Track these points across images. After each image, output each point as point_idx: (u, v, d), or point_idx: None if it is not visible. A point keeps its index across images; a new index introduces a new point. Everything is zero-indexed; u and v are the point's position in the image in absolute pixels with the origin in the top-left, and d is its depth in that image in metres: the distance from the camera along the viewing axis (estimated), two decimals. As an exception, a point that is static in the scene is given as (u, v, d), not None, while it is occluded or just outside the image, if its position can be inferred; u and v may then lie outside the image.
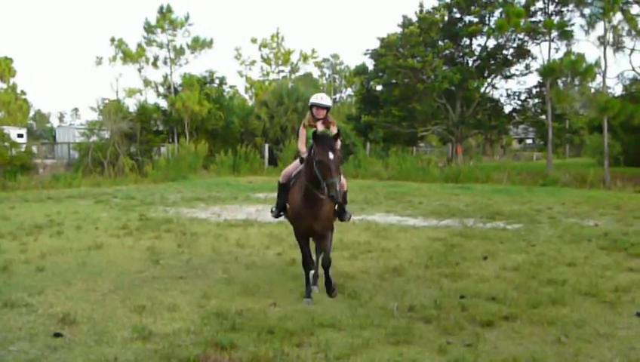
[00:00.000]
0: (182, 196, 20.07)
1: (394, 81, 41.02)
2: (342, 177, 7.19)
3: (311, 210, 7.08)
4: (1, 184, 24.86)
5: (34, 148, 42.72)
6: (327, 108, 7.86)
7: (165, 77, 43.41)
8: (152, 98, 50.62)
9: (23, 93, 62.80)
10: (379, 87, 43.73)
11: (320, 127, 7.70)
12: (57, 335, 5.79)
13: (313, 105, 7.83)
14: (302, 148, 7.82)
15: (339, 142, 7.02)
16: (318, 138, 6.83)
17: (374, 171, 29.35)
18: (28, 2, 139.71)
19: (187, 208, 16.51)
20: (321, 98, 7.87)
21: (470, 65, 40.63)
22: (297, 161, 7.86)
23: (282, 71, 55.15)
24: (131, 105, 42.29)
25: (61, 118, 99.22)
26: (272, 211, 8.20)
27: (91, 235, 11.66)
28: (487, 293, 7.38)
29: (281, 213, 7.98)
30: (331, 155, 6.63)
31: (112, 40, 42.17)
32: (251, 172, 31.18)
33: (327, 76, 75.64)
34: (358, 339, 5.72)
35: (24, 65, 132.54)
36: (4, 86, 58.14)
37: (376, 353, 5.42)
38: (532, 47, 39.02)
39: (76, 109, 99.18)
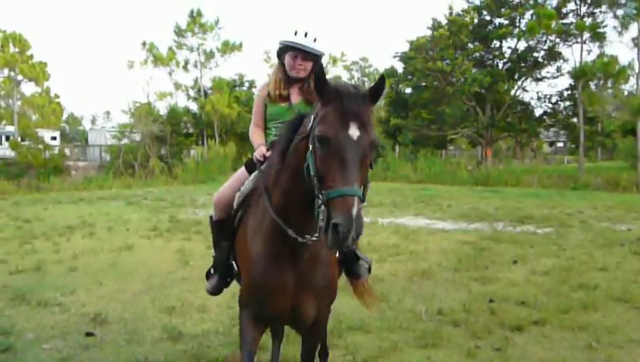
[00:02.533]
0: (211, 198, 20.21)
1: (423, 83, 40.83)
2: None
3: (286, 270, 3.40)
4: (35, 186, 25.29)
5: (67, 151, 43.40)
6: (316, 60, 4.14)
7: (195, 80, 43.78)
8: (182, 101, 51.06)
9: (56, 96, 63.73)
10: (408, 90, 43.58)
11: (296, 98, 4.20)
12: (89, 334, 5.89)
13: (290, 47, 4.11)
14: (256, 138, 4.24)
15: (373, 113, 3.07)
16: (333, 89, 3.00)
17: (403, 174, 29.29)
18: (61, 7, 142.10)
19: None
20: (304, 37, 4.07)
21: (500, 67, 40.25)
22: (242, 169, 4.20)
23: (311, 73, 55.26)
24: (162, 108, 42.82)
25: (93, 120, 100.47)
26: (207, 276, 4.53)
27: (122, 236, 11.81)
28: (516, 297, 7.32)
29: (228, 281, 4.34)
30: (356, 132, 2.88)
31: (144, 44, 42.60)
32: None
33: (356, 79, 75.56)
34: (386, 342, 5.72)
35: (58, 68, 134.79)
36: (39, 89, 59.10)
37: (405, 356, 5.42)
38: (563, 49, 38.49)
39: (108, 112, 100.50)
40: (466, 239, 11.65)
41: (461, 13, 40.39)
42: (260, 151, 3.94)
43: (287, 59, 4.15)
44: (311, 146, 2.98)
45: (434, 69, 38.26)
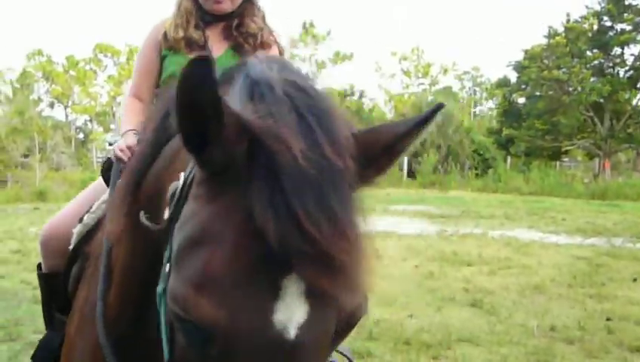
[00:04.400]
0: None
1: (538, 93, 39.72)
2: None
3: None
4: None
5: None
6: None
7: (307, 90, 44.67)
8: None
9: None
10: (521, 100, 42.53)
11: (219, 46, 2.47)
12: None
13: None
14: (128, 118, 2.33)
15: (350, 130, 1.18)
16: (258, 142, 1.03)
17: (515, 186, 28.53)
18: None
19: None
20: None
21: (621, 76, 38.52)
22: (98, 180, 2.39)
23: (422, 83, 55.07)
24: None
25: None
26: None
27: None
28: (637, 317, 7.01)
29: None
30: (304, 315, 1.03)
31: (258, 55, 44.01)
32: (389, 184, 31.25)
33: (467, 89, 74.43)
34: (496, 356, 5.64)
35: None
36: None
37: (515, 371, 5.34)
38: (693, 56, 36.45)
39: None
40: (581, 254, 11.24)
41: (579, 19, 39.01)
42: (126, 141, 2.08)
43: None
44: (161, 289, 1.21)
45: (549, 78, 37.12)
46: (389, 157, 1.25)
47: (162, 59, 2.45)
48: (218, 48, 2.43)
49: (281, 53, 2.54)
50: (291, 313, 1.01)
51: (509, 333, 6.36)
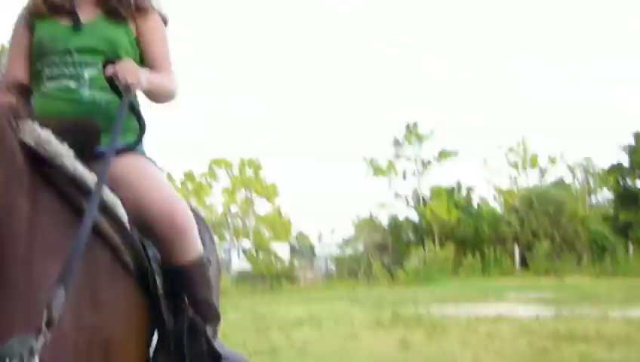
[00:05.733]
0: (433, 296, 20.34)
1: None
2: None
3: None
4: (268, 286, 27.84)
5: (296, 262, 46.27)
6: None
7: (414, 190, 45.11)
8: (401, 208, 52.33)
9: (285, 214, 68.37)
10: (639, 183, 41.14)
11: (89, 11, 2.22)
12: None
13: None
14: None
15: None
16: None
17: (638, 270, 27.21)
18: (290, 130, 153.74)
19: (438, 306, 16.70)
20: None
21: None
22: None
23: (530, 175, 54.16)
24: (383, 217, 44.55)
25: (319, 237, 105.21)
26: None
27: (347, 328, 12.41)
28: None
29: None
30: None
31: (364, 159, 45.19)
32: (501, 274, 30.75)
33: (580, 179, 72.19)
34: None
35: (287, 189, 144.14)
36: (270, 208, 63.89)
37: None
38: None
39: (333, 230, 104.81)
40: None
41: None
42: None
43: None
44: None
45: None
46: None
47: (33, 30, 2.24)
48: (89, 13, 2.22)
49: (165, 21, 2.37)
50: None
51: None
